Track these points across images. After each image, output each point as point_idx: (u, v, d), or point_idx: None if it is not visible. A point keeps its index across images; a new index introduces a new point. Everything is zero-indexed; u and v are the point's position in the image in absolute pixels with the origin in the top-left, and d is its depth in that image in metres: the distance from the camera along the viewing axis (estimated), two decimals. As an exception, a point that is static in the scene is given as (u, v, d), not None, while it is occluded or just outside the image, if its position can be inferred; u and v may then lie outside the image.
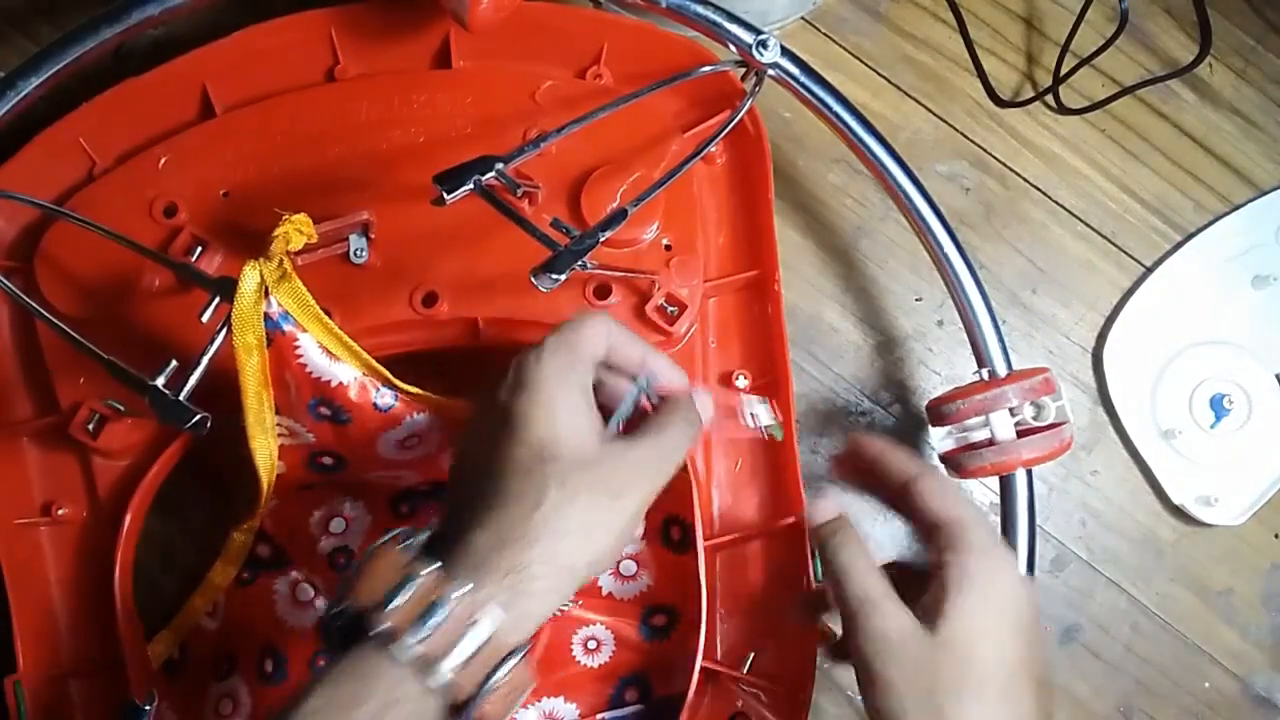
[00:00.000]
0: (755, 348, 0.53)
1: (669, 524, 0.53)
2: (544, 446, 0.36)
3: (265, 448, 0.45)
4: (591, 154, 0.51)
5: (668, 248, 0.50)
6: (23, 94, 0.49)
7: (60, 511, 0.49)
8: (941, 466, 0.52)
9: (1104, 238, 0.63)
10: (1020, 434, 0.49)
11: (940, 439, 0.54)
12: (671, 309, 0.49)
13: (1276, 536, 0.60)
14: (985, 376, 0.51)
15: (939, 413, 0.50)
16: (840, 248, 0.62)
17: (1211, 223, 0.63)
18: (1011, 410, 0.49)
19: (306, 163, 0.50)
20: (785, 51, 0.51)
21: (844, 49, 0.64)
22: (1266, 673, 0.59)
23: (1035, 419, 0.49)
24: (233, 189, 0.50)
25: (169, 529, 0.55)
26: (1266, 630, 0.59)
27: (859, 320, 0.61)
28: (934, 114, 0.64)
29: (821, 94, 0.52)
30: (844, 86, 0.63)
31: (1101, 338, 0.62)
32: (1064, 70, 0.62)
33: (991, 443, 0.49)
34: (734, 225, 0.54)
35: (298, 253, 0.45)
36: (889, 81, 0.64)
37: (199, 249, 0.49)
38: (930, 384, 0.61)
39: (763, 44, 0.51)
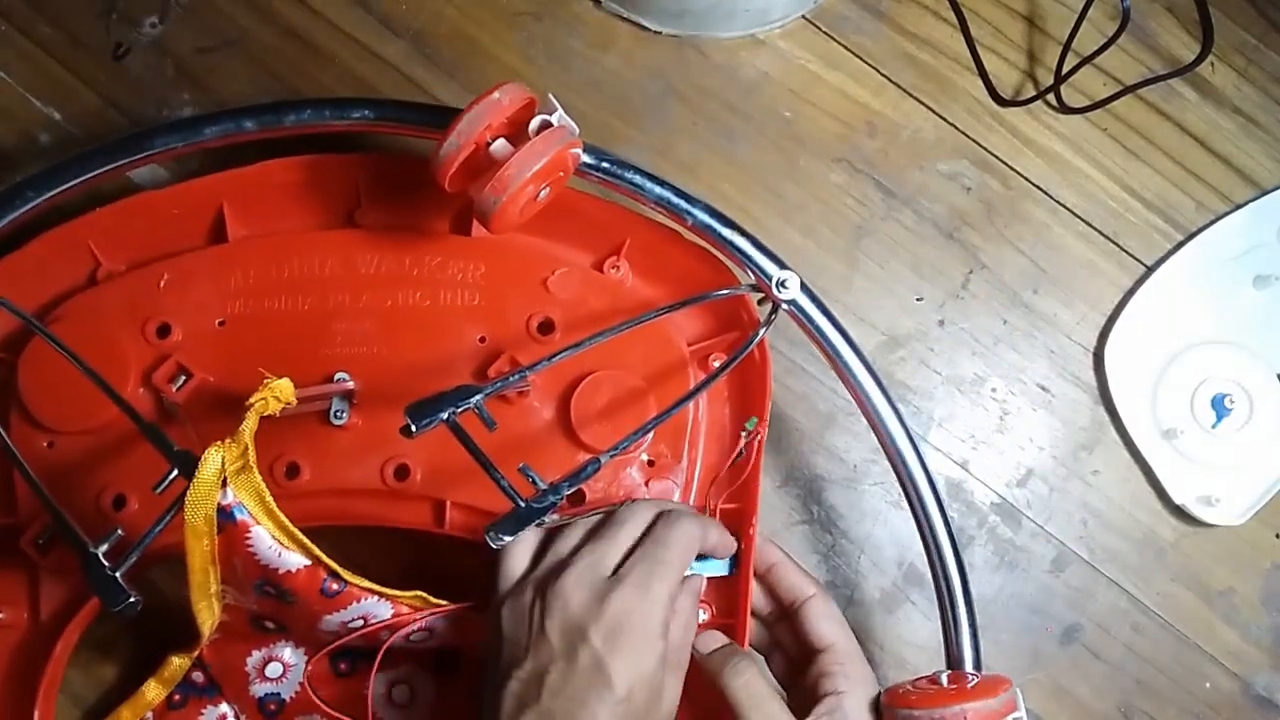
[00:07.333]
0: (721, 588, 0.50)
1: None
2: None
3: (208, 609, 0.43)
4: (588, 355, 0.48)
5: (650, 463, 0.50)
6: (33, 203, 0.49)
7: (1, 616, 0.48)
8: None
9: (1105, 237, 0.63)
10: None
11: None
12: None
13: (1277, 536, 0.60)
14: (946, 682, 0.47)
15: (892, 711, 0.46)
16: (841, 247, 0.61)
17: (1213, 222, 0.63)
18: None
19: (307, 306, 0.50)
20: (804, 288, 0.50)
21: (845, 48, 0.64)
22: (1266, 673, 0.59)
23: None
24: (229, 319, 0.49)
25: (112, 626, 0.53)
26: (1267, 630, 0.59)
27: (859, 320, 0.61)
28: (935, 113, 0.63)
29: (834, 341, 0.51)
30: (845, 85, 0.63)
31: (1103, 337, 0.61)
32: (1065, 69, 0.61)
33: None
34: (722, 445, 0.52)
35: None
36: (890, 80, 0.64)
37: (182, 379, 0.48)
38: (930, 384, 0.60)
39: (783, 283, 0.49)
